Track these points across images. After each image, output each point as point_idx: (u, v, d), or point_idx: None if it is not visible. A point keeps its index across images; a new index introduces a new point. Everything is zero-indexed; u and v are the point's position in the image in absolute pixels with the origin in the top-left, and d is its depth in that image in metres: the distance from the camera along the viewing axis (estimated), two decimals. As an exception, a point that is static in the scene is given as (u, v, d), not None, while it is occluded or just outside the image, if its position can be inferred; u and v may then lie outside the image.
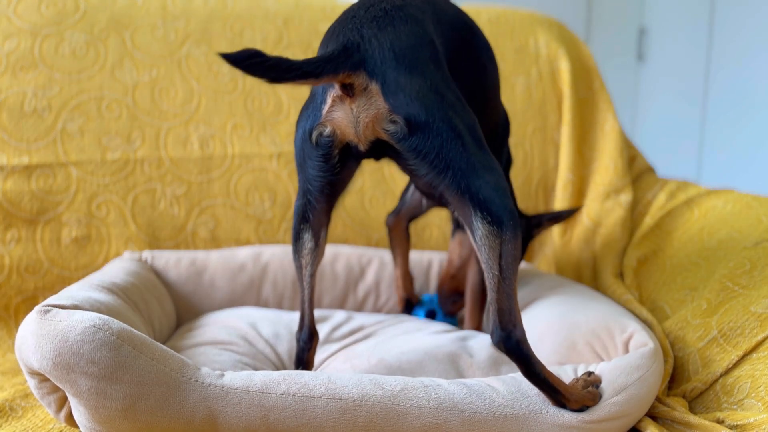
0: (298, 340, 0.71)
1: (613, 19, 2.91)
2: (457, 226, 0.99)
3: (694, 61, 2.64)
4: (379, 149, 0.62)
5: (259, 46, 1.20)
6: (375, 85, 0.59)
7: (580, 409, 0.61)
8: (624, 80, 2.86)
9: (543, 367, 0.61)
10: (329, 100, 0.61)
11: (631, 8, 2.88)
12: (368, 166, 1.21)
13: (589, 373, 0.66)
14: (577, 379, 0.65)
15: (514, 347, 0.59)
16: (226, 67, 1.18)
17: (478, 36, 0.78)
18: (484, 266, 0.60)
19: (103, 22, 1.14)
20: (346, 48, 0.59)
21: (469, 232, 0.60)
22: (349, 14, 0.65)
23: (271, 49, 1.21)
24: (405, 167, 0.63)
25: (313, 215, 0.67)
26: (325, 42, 0.66)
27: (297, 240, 0.68)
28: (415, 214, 0.98)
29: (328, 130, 0.62)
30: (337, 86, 0.60)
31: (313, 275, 0.68)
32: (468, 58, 0.73)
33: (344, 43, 0.60)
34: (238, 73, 1.19)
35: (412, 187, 0.97)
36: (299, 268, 0.69)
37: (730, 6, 2.51)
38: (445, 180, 0.59)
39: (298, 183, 0.68)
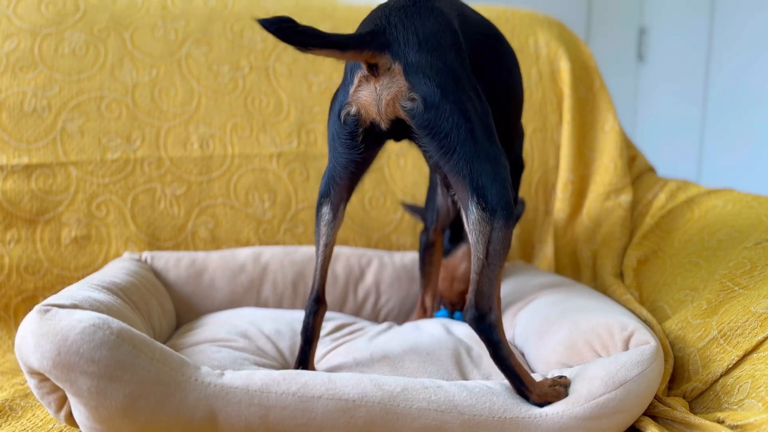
0: (308, 306, 0.75)
1: (613, 19, 2.91)
2: (457, 240, 1.00)
3: (694, 61, 2.64)
4: (399, 129, 0.66)
5: (259, 46, 1.20)
6: (398, 66, 0.63)
7: (542, 404, 0.62)
8: (624, 80, 2.86)
9: (512, 354, 0.63)
10: (356, 81, 0.66)
11: (631, 8, 2.88)
12: (368, 166, 1.21)
13: (561, 376, 0.67)
14: (546, 379, 0.66)
15: (486, 329, 0.62)
16: (226, 67, 1.18)
17: (503, 43, 0.84)
18: (472, 249, 0.63)
19: (103, 22, 1.14)
20: (373, 31, 0.64)
21: (463, 215, 0.63)
22: (382, 5, 0.70)
23: (271, 49, 1.21)
24: (419, 147, 0.67)
25: (335, 190, 0.71)
26: (359, 29, 0.71)
27: (318, 212, 0.73)
28: (446, 223, 0.97)
29: (354, 109, 0.66)
30: (364, 67, 0.64)
31: (327, 245, 0.72)
32: (493, 61, 0.78)
33: (373, 27, 0.65)
34: (238, 74, 1.19)
35: (438, 193, 0.96)
36: (317, 238, 0.73)
37: (730, 6, 2.51)
38: (450, 162, 0.63)
39: (328, 161, 0.72)
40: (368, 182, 1.21)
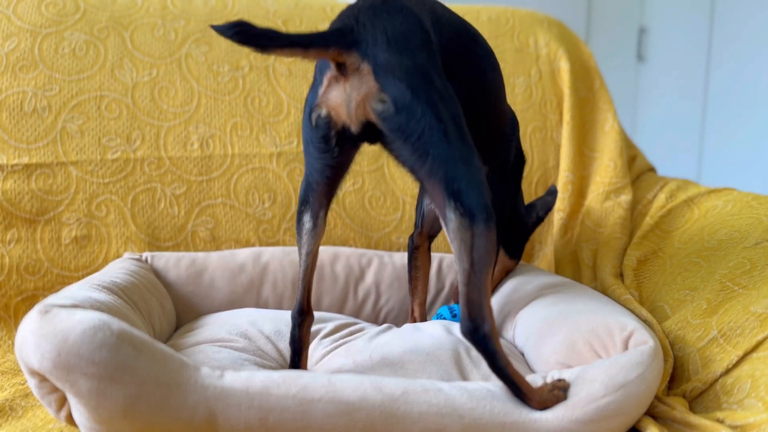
0: (292, 318, 0.73)
1: (613, 19, 2.91)
2: None
3: (694, 61, 2.65)
4: (370, 132, 0.63)
5: (259, 46, 1.20)
6: (366, 66, 0.61)
7: (543, 409, 0.62)
8: (624, 80, 2.86)
9: (509, 363, 0.61)
10: (325, 82, 0.63)
11: (631, 8, 2.89)
12: (368, 166, 1.21)
13: (560, 380, 0.67)
14: (545, 384, 0.66)
15: (481, 340, 0.60)
16: (226, 67, 1.18)
17: (479, 43, 0.80)
18: (455, 258, 0.60)
19: (103, 21, 1.14)
20: (340, 29, 0.62)
21: (442, 223, 0.61)
22: (350, 5, 0.69)
23: (271, 49, 1.21)
24: (390, 153, 0.64)
25: (313, 197, 0.69)
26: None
27: (298, 221, 0.71)
28: (435, 228, 0.96)
29: (324, 112, 0.64)
30: (332, 66, 0.62)
31: (309, 254, 0.71)
32: (466, 62, 0.74)
33: (340, 25, 0.63)
34: (238, 73, 1.19)
35: (426, 196, 0.95)
36: (299, 248, 0.72)
37: (730, 6, 2.51)
38: (424, 166, 0.60)
39: (305, 170, 0.70)
40: (368, 182, 1.21)
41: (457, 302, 1.02)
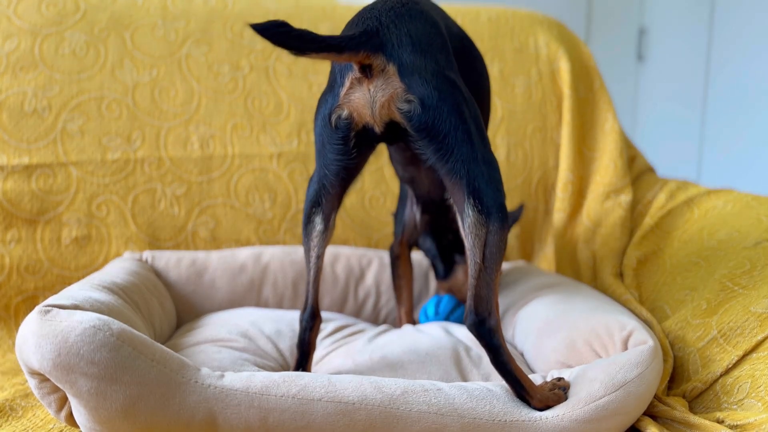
0: (301, 321, 0.73)
1: (613, 19, 2.91)
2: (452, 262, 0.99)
3: (694, 61, 2.64)
4: (392, 132, 0.65)
5: (259, 46, 1.20)
6: (392, 67, 0.62)
7: (542, 408, 0.62)
8: (624, 80, 2.86)
9: (512, 359, 0.62)
10: (347, 83, 0.64)
11: (631, 8, 2.88)
12: (368, 166, 1.21)
13: (559, 379, 0.67)
14: (545, 382, 0.66)
15: (486, 334, 0.61)
16: (226, 67, 1.18)
17: (474, 48, 0.83)
18: (468, 253, 0.62)
19: (103, 22, 1.14)
20: (367, 31, 0.63)
21: (459, 218, 0.63)
22: (368, 7, 0.69)
23: (271, 49, 1.21)
24: (413, 150, 0.65)
25: (326, 200, 0.70)
26: (346, 30, 0.70)
27: (308, 223, 0.71)
28: (414, 237, 0.97)
29: (345, 113, 0.64)
30: (356, 68, 0.63)
31: (319, 257, 0.71)
32: (467, 65, 0.76)
33: (365, 28, 0.64)
34: (238, 74, 1.19)
35: (407, 206, 0.95)
36: (307, 250, 0.72)
37: (730, 6, 2.51)
38: (447, 165, 0.62)
39: (315, 169, 0.70)
40: (368, 182, 1.21)
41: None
